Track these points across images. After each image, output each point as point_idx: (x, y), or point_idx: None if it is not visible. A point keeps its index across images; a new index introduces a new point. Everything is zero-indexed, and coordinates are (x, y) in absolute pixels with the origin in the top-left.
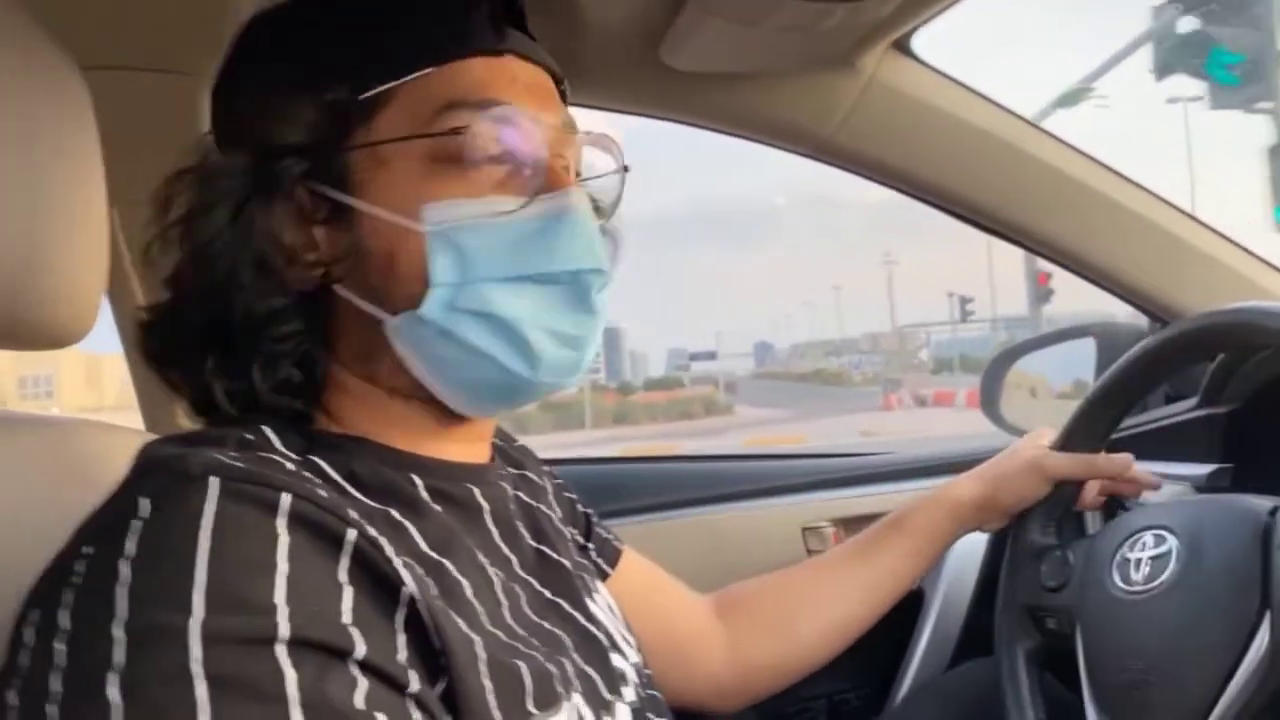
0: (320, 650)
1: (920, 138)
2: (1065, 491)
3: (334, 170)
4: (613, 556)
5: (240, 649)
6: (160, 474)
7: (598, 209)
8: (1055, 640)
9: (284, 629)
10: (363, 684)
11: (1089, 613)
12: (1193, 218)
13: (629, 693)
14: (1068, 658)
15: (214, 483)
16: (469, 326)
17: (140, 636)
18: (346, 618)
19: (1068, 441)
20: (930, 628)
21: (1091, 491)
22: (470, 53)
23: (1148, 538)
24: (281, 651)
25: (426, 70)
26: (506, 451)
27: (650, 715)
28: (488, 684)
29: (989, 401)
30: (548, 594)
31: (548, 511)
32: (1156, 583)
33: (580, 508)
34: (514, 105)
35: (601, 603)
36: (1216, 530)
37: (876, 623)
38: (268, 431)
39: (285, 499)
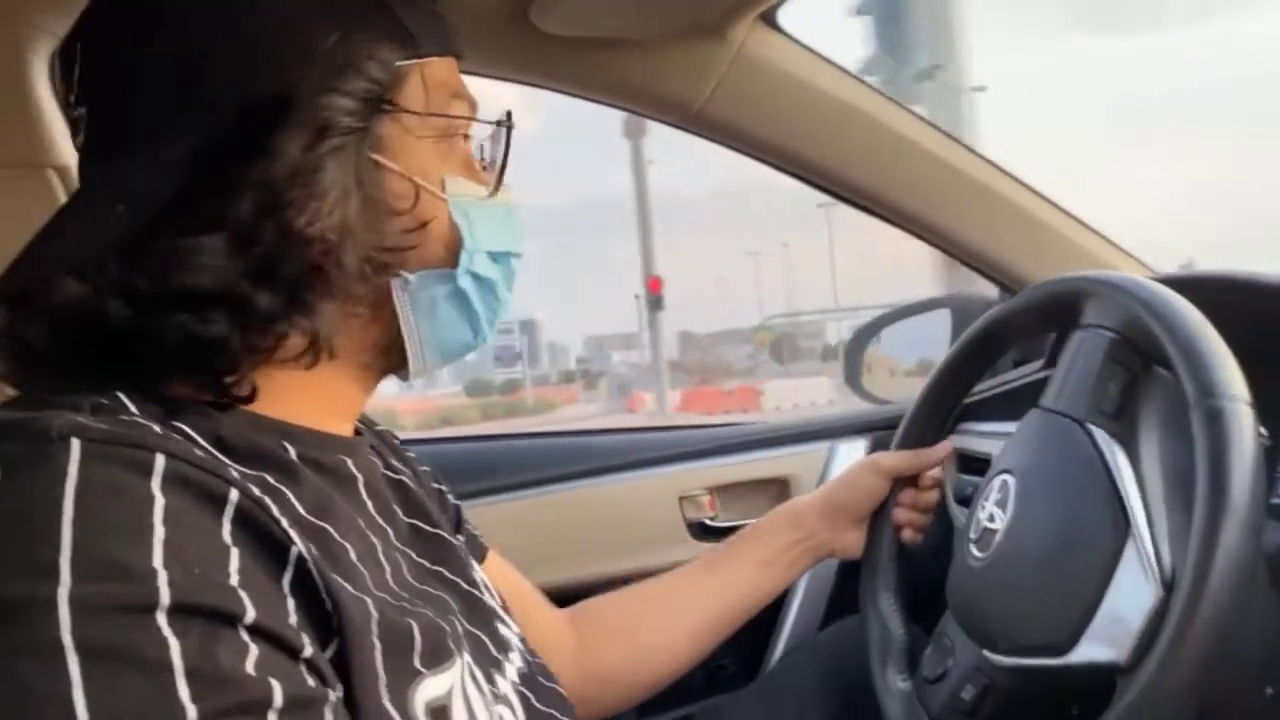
0: (207, 616)
1: (787, 111)
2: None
3: (381, 133)
4: (480, 554)
5: (117, 617)
6: (11, 438)
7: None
8: (917, 588)
9: (165, 595)
10: (254, 649)
11: (961, 603)
12: (1038, 192)
13: (516, 659)
14: (933, 607)
15: (76, 444)
16: (475, 288)
17: (2, 611)
18: (234, 580)
19: (908, 433)
20: (802, 590)
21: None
22: (449, 51)
23: (986, 493)
24: (163, 619)
25: (436, 56)
26: (370, 433)
27: (540, 679)
28: (377, 644)
29: (852, 374)
30: (427, 563)
31: (418, 490)
32: (1007, 515)
33: (451, 499)
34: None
35: (481, 576)
36: (1028, 441)
37: (720, 640)
38: (121, 397)
39: (159, 460)
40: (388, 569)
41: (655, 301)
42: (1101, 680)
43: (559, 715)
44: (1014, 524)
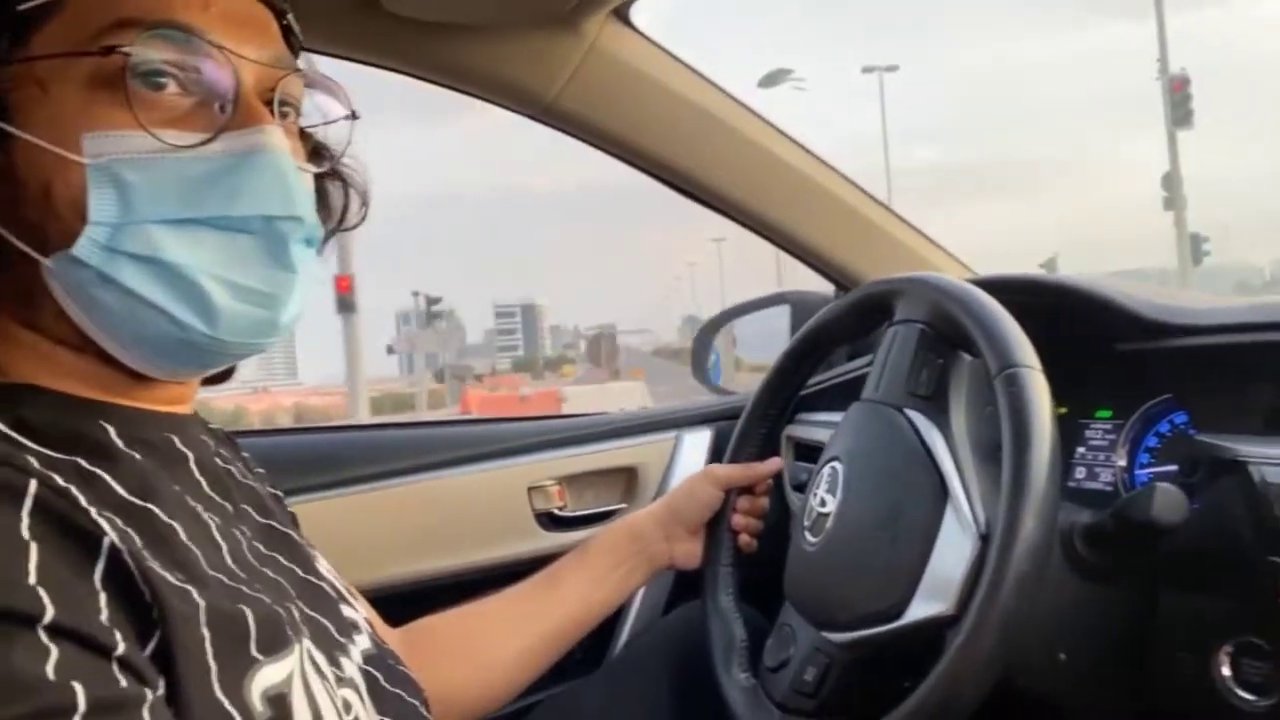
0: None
1: (637, 107)
2: (764, 431)
3: None
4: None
5: None
6: None
7: (319, 155)
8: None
9: None
10: (54, 651)
11: (797, 589)
12: (874, 198)
13: (362, 640)
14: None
15: None
16: (131, 272)
17: None
18: (31, 578)
19: (748, 425)
20: None
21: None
22: None
23: (824, 473)
24: None
25: None
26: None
27: (390, 663)
28: (206, 633)
29: (699, 365)
30: (262, 547)
31: (251, 481)
32: (837, 498)
33: (288, 508)
34: (199, 30)
35: (321, 566)
36: (853, 430)
37: (555, 658)
38: None
39: None
40: (224, 547)
41: (344, 302)
42: (930, 641)
43: (407, 696)
44: (843, 507)
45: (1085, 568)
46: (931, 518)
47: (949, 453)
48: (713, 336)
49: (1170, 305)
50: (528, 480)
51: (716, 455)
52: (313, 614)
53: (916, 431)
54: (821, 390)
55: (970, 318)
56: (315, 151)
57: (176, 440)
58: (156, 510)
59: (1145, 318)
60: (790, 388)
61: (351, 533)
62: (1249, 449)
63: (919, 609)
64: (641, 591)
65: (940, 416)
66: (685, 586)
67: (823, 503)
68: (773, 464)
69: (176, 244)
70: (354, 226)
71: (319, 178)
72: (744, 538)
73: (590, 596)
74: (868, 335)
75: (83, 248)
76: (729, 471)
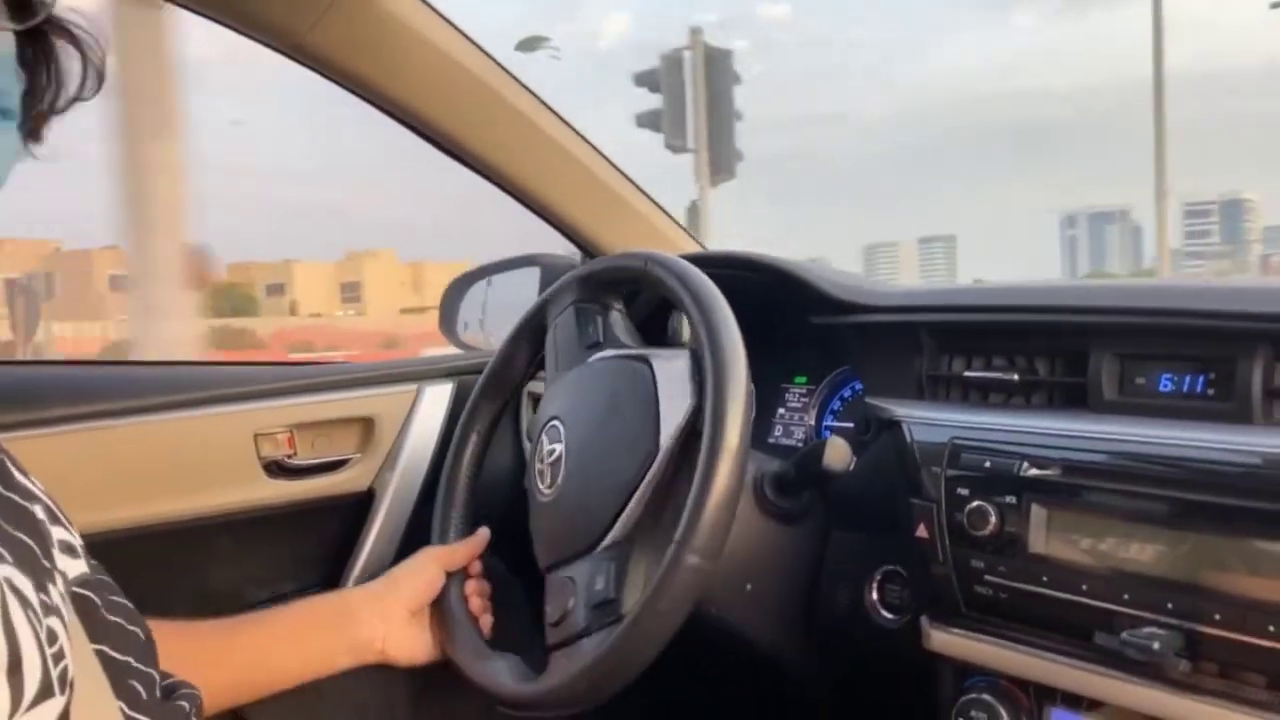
0: None
1: (389, 54)
2: (509, 376)
3: None
4: None
5: None
6: None
7: (27, 8)
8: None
9: None
10: None
11: (535, 525)
12: (623, 172)
13: (76, 565)
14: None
15: None
16: None
17: None
18: None
19: (489, 381)
20: (379, 524)
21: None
22: None
23: (546, 428)
24: None
25: None
26: None
27: (109, 593)
28: None
29: (447, 322)
30: None
31: None
32: (555, 458)
33: None
34: None
35: (33, 485)
36: (576, 385)
37: (324, 522)
38: None
39: None
40: None
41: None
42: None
43: (127, 624)
44: (570, 453)
45: (772, 510)
46: (644, 454)
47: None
48: (464, 291)
49: (854, 285)
50: (255, 426)
51: (456, 409)
52: (15, 534)
53: (640, 376)
54: None
55: (688, 293)
56: (23, 3)
57: None
58: None
59: (832, 296)
60: (534, 344)
61: (63, 474)
62: (903, 410)
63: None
64: (371, 541)
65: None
66: (419, 534)
67: (552, 453)
68: (482, 535)
69: None
70: (89, 97)
71: (30, 36)
72: (485, 622)
73: (267, 660)
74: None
75: None
76: (448, 554)
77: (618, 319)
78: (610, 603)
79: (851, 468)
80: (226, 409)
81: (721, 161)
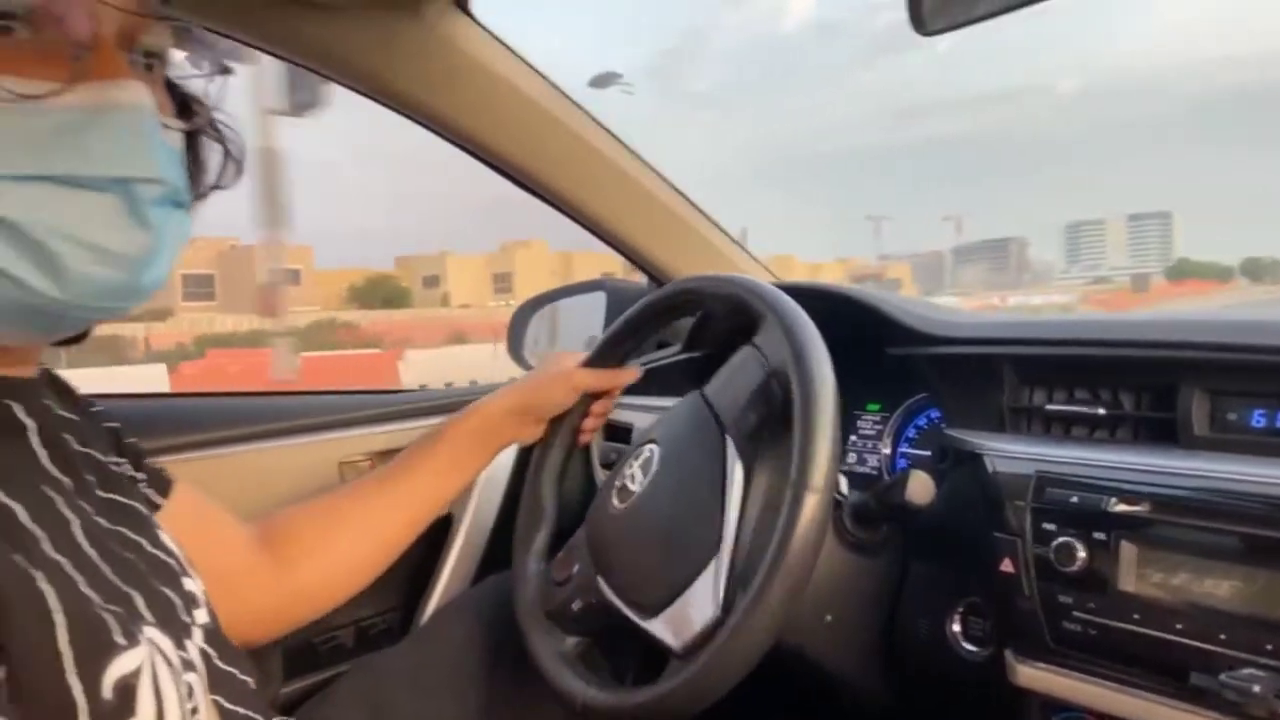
0: None
1: (472, 94)
2: (570, 438)
3: None
4: (164, 487)
5: None
6: None
7: (188, 111)
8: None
9: None
10: None
11: (593, 533)
12: (688, 199)
13: (201, 615)
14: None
15: None
16: None
17: None
18: None
19: (598, 360)
20: (457, 549)
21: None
22: None
23: (635, 454)
24: None
25: None
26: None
27: (223, 638)
28: (58, 620)
29: (515, 346)
30: (105, 522)
31: (89, 448)
32: (645, 480)
33: (125, 439)
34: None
35: (165, 533)
36: (680, 423)
37: (407, 546)
38: None
39: None
40: (75, 522)
41: None
42: (661, 653)
43: (239, 674)
44: (649, 490)
45: (851, 541)
46: (700, 558)
47: (740, 500)
48: (530, 317)
49: (932, 316)
50: (339, 455)
51: None
52: (161, 589)
53: (724, 461)
54: None
55: (803, 404)
56: (185, 106)
57: (17, 409)
58: None
59: (910, 327)
60: (632, 344)
61: None
62: (984, 443)
63: (659, 627)
64: (451, 563)
65: (751, 460)
66: (495, 559)
67: (633, 478)
68: (630, 373)
69: (21, 202)
70: (228, 186)
71: (190, 134)
72: (584, 435)
73: (432, 489)
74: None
75: None
76: (588, 378)
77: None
78: (705, 630)
79: (933, 502)
80: (313, 438)
81: None
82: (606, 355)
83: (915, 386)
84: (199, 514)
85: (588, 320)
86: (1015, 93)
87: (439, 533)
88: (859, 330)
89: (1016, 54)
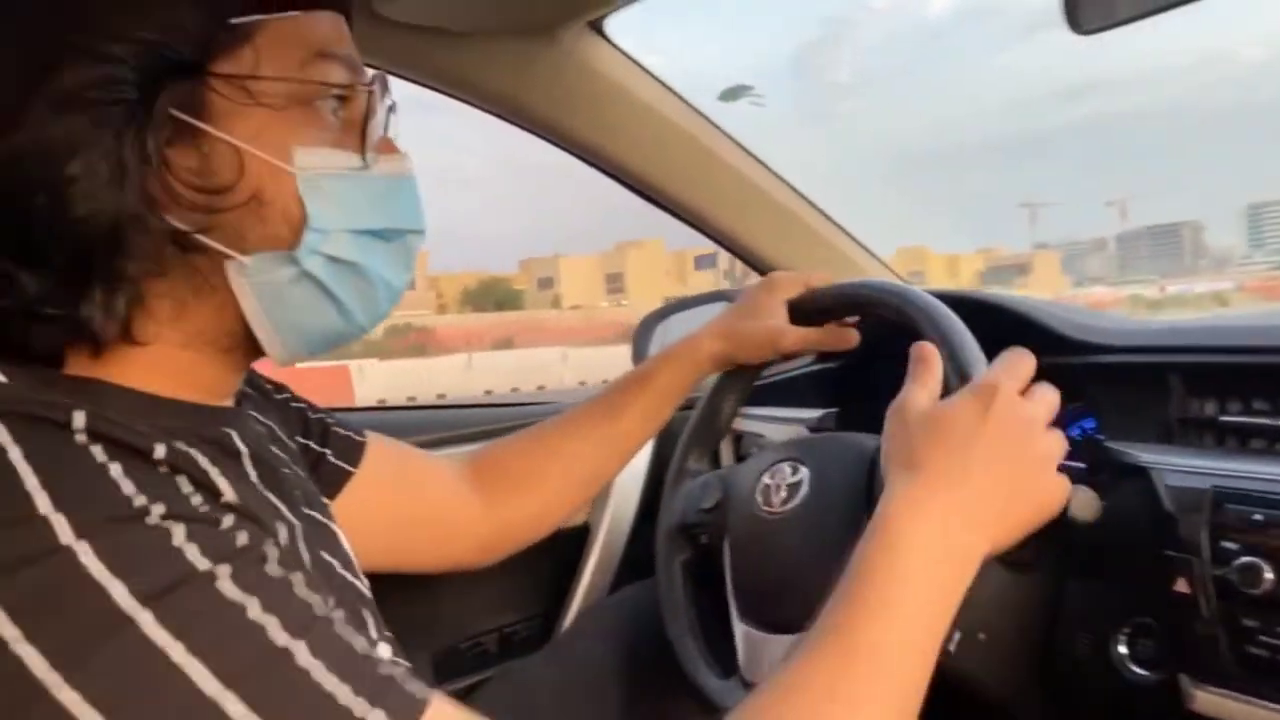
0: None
1: (607, 114)
2: (719, 421)
3: (194, 98)
4: (355, 453)
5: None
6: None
7: None
8: (707, 555)
9: None
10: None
11: (735, 530)
12: (818, 208)
13: (373, 631)
14: (718, 577)
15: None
16: (329, 272)
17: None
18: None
19: (708, 407)
20: (595, 558)
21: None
22: (326, 4)
23: (785, 468)
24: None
25: (294, 14)
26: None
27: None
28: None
29: (640, 356)
30: (312, 543)
31: (300, 471)
32: (791, 505)
33: (313, 414)
34: (359, 61)
35: (352, 557)
36: (839, 462)
37: (544, 556)
38: None
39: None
40: (305, 556)
41: None
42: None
43: None
44: (794, 514)
45: (1006, 556)
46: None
47: None
48: (655, 327)
49: (1089, 324)
50: None
51: (661, 445)
52: (363, 614)
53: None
54: (759, 386)
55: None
56: None
57: (234, 435)
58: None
59: (1067, 336)
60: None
61: None
62: (1151, 457)
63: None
64: (589, 572)
65: None
66: (633, 567)
67: (778, 490)
68: (844, 335)
69: (360, 250)
70: None
71: None
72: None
73: (641, 429)
74: None
75: (303, 250)
76: (795, 339)
77: None
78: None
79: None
80: (452, 450)
81: None
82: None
83: (1069, 395)
84: (401, 461)
85: None
86: (1191, 66)
87: (577, 541)
88: (1008, 338)
89: (1193, 23)
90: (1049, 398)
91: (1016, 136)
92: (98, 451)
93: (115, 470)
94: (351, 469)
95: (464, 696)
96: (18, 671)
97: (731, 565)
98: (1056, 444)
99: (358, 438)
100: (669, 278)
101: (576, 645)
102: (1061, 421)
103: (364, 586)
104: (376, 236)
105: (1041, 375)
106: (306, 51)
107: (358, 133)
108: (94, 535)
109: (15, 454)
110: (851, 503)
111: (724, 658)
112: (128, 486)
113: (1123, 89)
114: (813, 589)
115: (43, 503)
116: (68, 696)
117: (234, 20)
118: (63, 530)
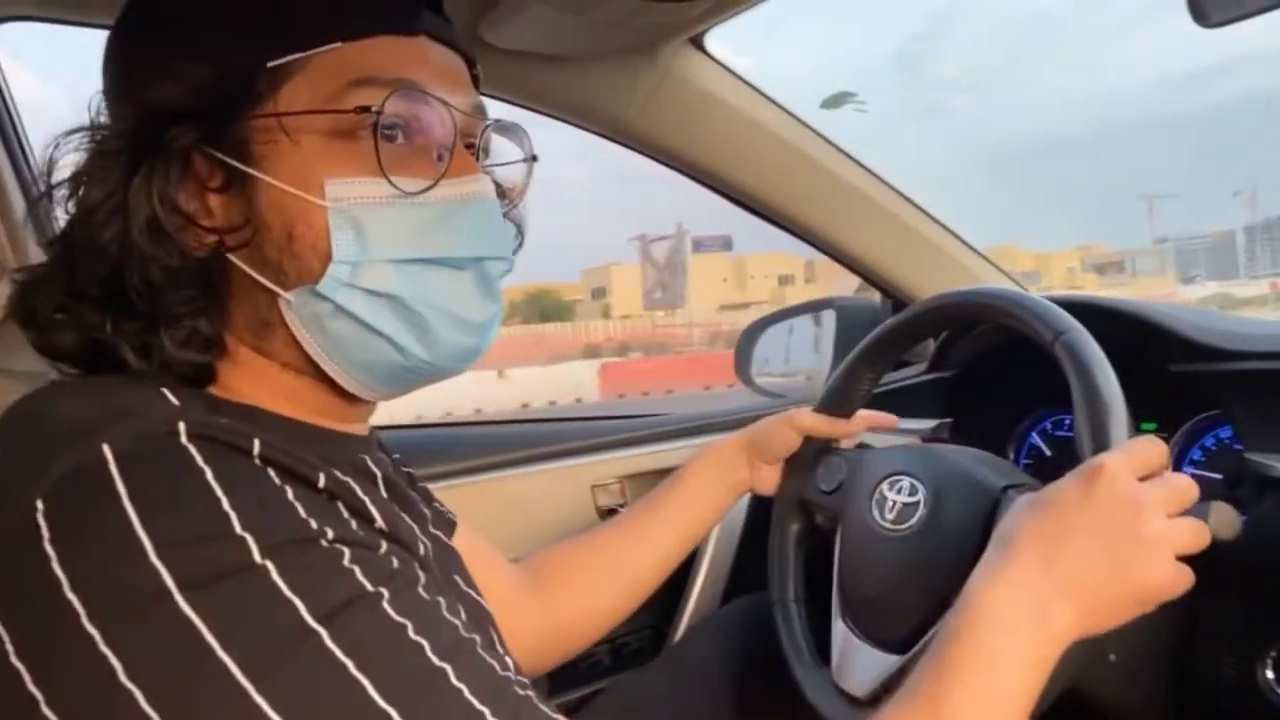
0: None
1: (707, 128)
2: (850, 399)
3: (233, 138)
4: (449, 529)
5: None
6: (125, 427)
7: (503, 196)
8: (818, 531)
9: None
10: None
11: (848, 528)
12: (926, 213)
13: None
14: (828, 556)
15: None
16: (366, 305)
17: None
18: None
19: (828, 399)
20: (704, 570)
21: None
22: (382, 30)
23: (905, 483)
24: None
25: (336, 44)
26: None
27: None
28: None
29: (742, 367)
30: (440, 565)
31: (419, 497)
32: (905, 526)
33: (418, 482)
34: (423, 85)
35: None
36: (959, 494)
37: (658, 585)
38: (167, 394)
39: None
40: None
41: None
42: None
43: None
44: (912, 533)
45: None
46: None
47: None
48: (757, 337)
49: (1222, 329)
50: (591, 479)
51: None
52: (491, 633)
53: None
54: (875, 395)
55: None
56: (498, 192)
57: (368, 460)
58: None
59: (1199, 342)
60: (881, 363)
61: None
62: None
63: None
64: (700, 583)
65: None
66: (742, 579)
67: (893, 508)
68: (858, 423)
69: (405, 280)
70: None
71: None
72: None
73: (686, 533)
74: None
75: (326, 284)
76: (811, 422)
77: None
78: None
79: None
80: (566, 463)
81: None
82: (852, 376)
83: (1200, 404)
84: (476, 554)
85: (816, 339)
86: None
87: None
88: (1139, 346)
89: None
90: (1177, 484)
91: (1132, 126)
92: (273, 475)
93: (290, 494)
94: (448, 541)
95: (577, 708)
96: (220, 673)
97: (840, 562)
98: (1179, 531)
99: (450, 515)
100: (726, 285)
101: (687, 656)
102: (1194, 431)
103: (488, 605)
104: (434, 265)
105: (1168, 382)
106: (342, 80)
107: (429, 156)
108: (278, 554)
109: (210, 475)
110: (962, 545)
111: (820, 645)
112: (302, 510)
113: (1254, 68)
114: (910, 617)
115: (237, 521)
116: (252, 705)
117: (270, 64)
118: (255, 548)
